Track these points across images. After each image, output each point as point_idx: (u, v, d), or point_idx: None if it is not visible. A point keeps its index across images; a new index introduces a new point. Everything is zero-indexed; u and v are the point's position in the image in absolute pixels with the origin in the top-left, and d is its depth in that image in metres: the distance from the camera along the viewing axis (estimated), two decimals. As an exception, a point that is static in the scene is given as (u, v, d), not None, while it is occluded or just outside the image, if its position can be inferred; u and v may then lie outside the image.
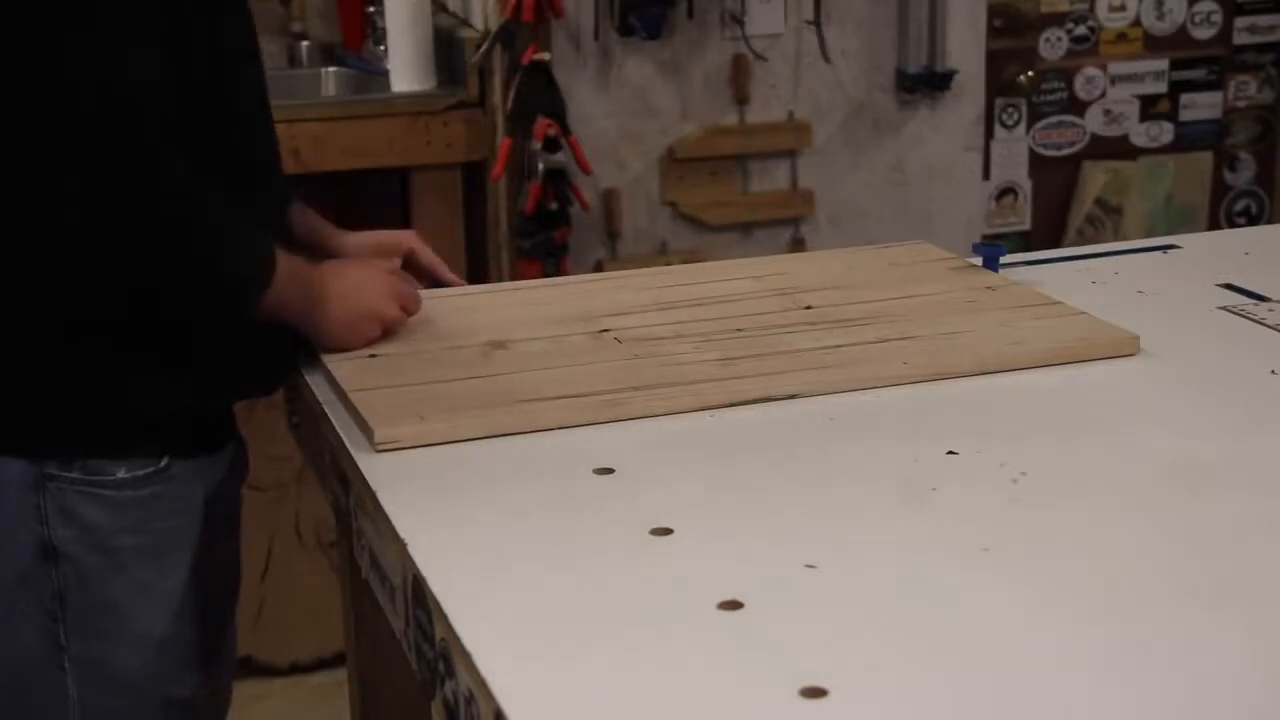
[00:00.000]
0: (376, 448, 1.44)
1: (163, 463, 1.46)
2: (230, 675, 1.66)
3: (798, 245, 3.28)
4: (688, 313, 1.75)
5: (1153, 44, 3.52)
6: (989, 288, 1.83)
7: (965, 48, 3.35)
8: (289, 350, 1.59)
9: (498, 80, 2.99)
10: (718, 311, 1.76)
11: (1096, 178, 3.54)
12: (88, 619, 1.45)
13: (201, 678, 1.55)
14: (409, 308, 1.64)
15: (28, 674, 1.47)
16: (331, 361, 1.60)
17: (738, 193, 3.28)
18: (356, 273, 1.62)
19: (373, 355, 1.61)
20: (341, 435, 1.48)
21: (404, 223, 2.98)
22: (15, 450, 1.42)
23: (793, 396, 1.55)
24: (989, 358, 1.63)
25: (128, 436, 1.44)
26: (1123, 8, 3.48)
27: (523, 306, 1.77)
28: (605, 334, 1.68)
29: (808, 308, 1.77)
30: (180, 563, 1.49)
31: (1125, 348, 1.67)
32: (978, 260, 1.94)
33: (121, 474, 1.44)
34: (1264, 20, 3.56)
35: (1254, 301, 1.82)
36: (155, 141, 1.37)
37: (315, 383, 1.60)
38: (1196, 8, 3.51)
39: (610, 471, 1.39)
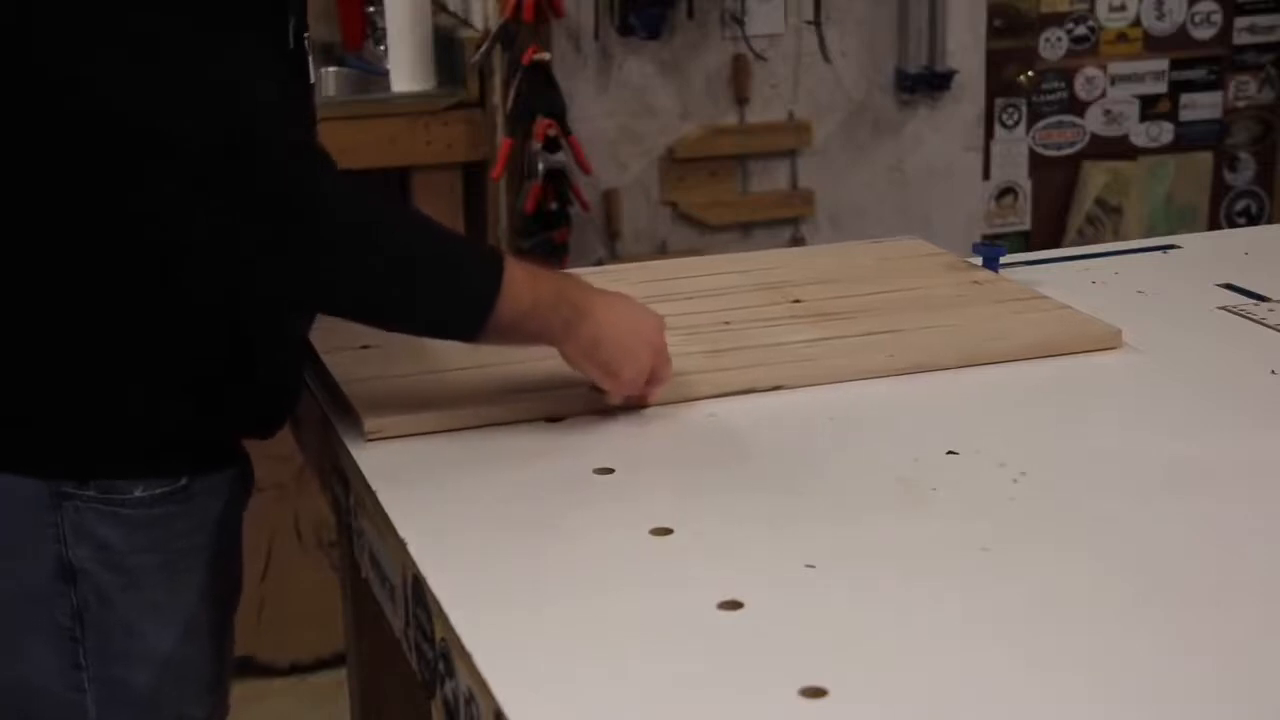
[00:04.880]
0: (366, 437, 1.44)
1: (181, 482, 1.45)
2: (229, 687, 1.65)
3: (797, 245, 3.28)
4: (678, 306, 1.76)
5: (1153, 44, 3.52)
6: (975, 282, 1.84)
7: (965, 48, 3.35)
8: (297, 388, 1.58)
9: (498, 80, 2.99)
10: (707, 305, 1.77)
11: (1096, 178, 3.54)
12: (105, 638, 1.44)
13: (215, 697, 1.55)
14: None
15: (42, 695, 1.45)
16: (326, 354, 1.60)
17: (738, 193, 3.27)
18: (615, 294, 1.51)
19: (365, 347, 1.61)
20: (339, 431, 1.48)
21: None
22: (31, 469, 1.40)
23: (777, 388, 1.56)
24: (972, 351, 1.64)
25: (146, 456, 1.42)
26: (1123, 8, 3.48)
27: None
28: None
29: (796, 301, 1.78)
30: (194, 581, 1.48)
31: (1108, 341, 1.67)
32: (977, 260, 1.94)
33: (139, 493, 1.42)
34: (1264, 20, 3.56)
35: (1254, 301, 1.82)
36: (311, 164, 1.34)
37: (312, 379, 1.61)
38: (1196, 8, 3.51)
39: (610, 471, 1.39)
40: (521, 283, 1.40)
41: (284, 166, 1.31)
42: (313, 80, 1.54)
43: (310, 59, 1.50)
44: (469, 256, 1.41)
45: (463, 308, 1.39)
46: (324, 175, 1.34)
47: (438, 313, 1.40)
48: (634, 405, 1.51)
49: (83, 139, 1.30)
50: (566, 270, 1.89)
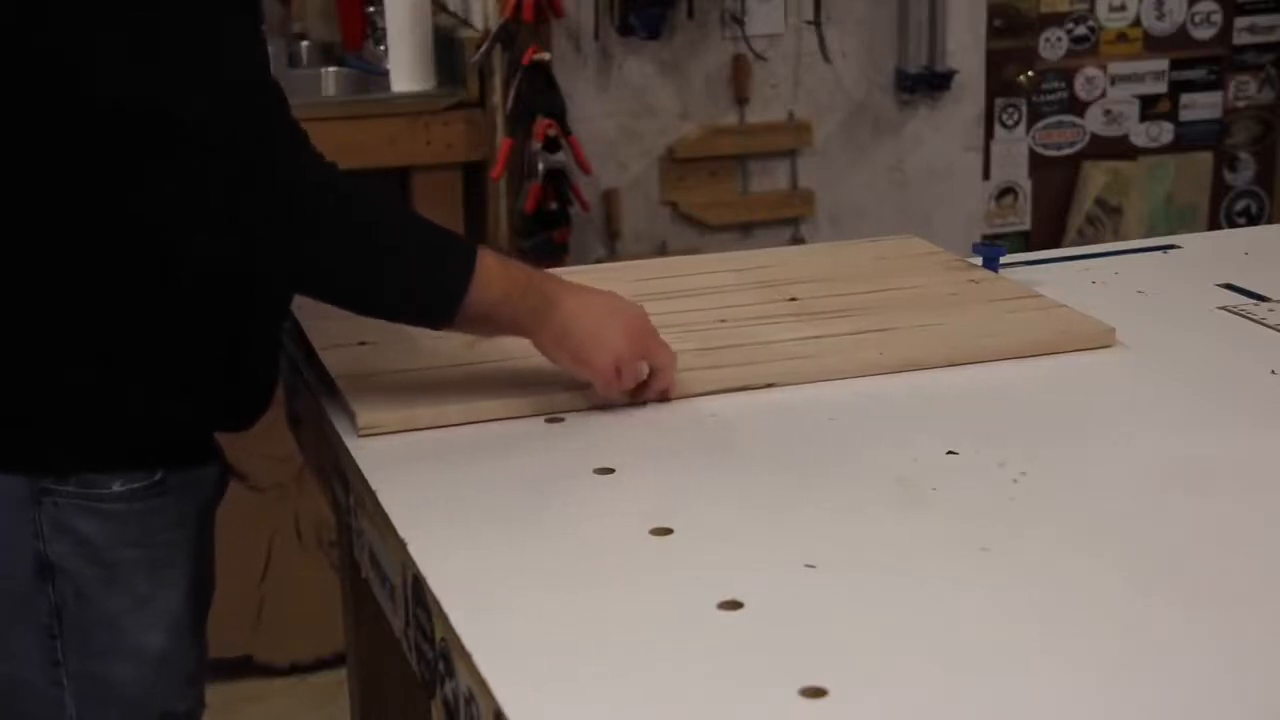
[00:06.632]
0: (359, 432, 1.45)
1: (157, 476, 1.45)
2: (205, 682, 1.65)
3: (797, 245, 3.28)
4: (674, 304, 1.76)
5: (1153, 44, 3.52)
6: (971, 281, 1.84)
7: (965, 48, 3.34)
8: (272, 382, 1.58)
9: (498, 80, 2.99)
10: (703, 303, 1.78)
11: (1096, 178, 3.54)
12: (85, 634, 1.44)
13: (195, 691, 1.55)
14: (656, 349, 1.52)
15: (23, 691, 1.46)
16: (323, 351, 1.60)
17: (738, 193, 3.27)
18: (593, 289, 1.51)
19: (362, 344, 1.61)
20: (337, 430, 1.48)
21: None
22: (10, 465, 1.41)
23: (770, 386, 1.56)
24: (964, 350, 1.64)
25: (123, 450, 1.43)
26: (1123, 8, 3.48)
27: None
28: None
29: (792, 299, 1.78)
30: (176, 576, 1.49)
31: (1102, 340, 1.68)
32: (977, 260, 1.94)
33: (117, 487, 1.43)
34: (1264, 20, 3.56)
35: (1254, 301, 1.82)
36: (296, 147, 1.36)
37: (310, 376, 1.61)
38: (1196, 8, 3.51)
39: (610, 471, 1.39)
40: (494, 271, 1.42)
41: (276, 148, 1.34)
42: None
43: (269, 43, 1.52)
44: (443, 243, 1.43)
45: (436, 293, 1.40)
46: (308, 157, 1.37)
47: (411, 297, 1.42)
48: (635, 402, 1.51)
49: (82, 132, 1.31)
50: (565, 268, 1.89)
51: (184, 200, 1.32)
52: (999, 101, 3.44)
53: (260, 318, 1.51)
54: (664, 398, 1.53)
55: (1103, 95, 3.51)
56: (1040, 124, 3.49)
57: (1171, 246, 2.08)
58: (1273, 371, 1.61)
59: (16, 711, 1.46)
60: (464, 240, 1.45)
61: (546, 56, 2.97)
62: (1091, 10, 3.46)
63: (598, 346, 1.46)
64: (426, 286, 1.41)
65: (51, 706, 1.45)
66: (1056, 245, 3.36)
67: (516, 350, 1.53)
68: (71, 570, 1.42)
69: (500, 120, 3.00)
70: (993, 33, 3.39)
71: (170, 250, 1.37)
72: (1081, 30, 3.47)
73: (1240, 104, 3.60)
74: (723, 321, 1.72)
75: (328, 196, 1.36)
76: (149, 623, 1.47)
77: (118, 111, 1.28)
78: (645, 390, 1.51)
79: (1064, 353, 1.66)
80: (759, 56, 3.20)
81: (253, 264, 1.38)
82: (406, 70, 3.05)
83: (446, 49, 3.07)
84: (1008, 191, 3.51)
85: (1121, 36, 3.49)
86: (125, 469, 1.43)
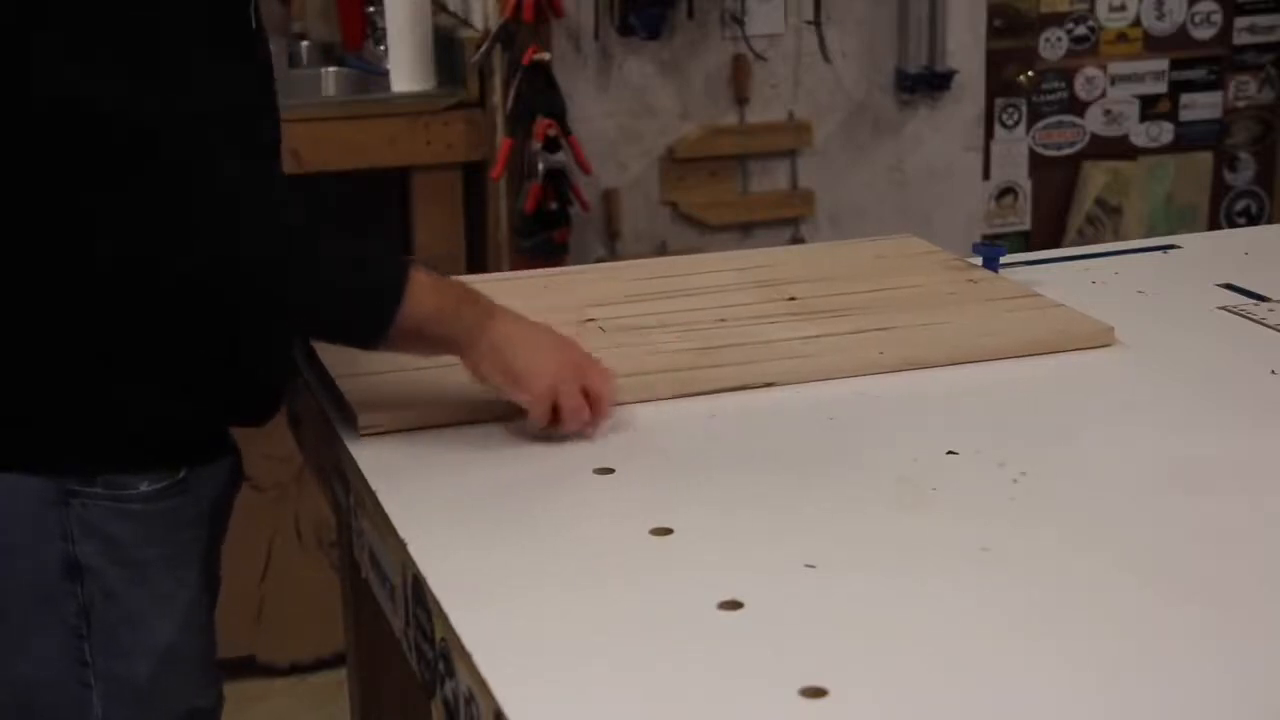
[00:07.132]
0: (360, 431, 1.45)
1: (180, 474, 1.46)
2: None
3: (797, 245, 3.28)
4: (674, 303, 1.76)
5: (1153, 44, 3.52)
6: (970, 280, 1.85)
7: (965, 48, 3.34)
8: (284, 380, 1.58)
9: (498, 80, 2.99)
10: (703, 302, 1.78)
11: (1096, 178, 3.54)
12: (112, 634, 1.44)
13: (217, 688, 1.56)
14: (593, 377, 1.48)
15: (47, 693, 1.46)
16: (322, 350, 1.60)
17: (738, 193, 3.27)
18: (521, 315, 1.50)
19: None
20: (337, 430, 1.49)
21: (404, 222, 2.98)
22: (36, 467, 1.41)
23: (769, 385, 1.56)
24: (963, 349, 1.64)
25: (148, 450, 1.44)
26: (1123, 8, 3.48)
27: (513, 297, 1.76)
28: (590, 323, 1.69)
29: (791, 299, 1.78)
30: (195, 572, 1.49)
31: (1100, 339, 1.68)
32: (977, 260, 1.94)
33: (144, 487, 1.43)
34: (1264, 20, 3.56)
35: (1254, 301, 1.82)
36: (244, 167, 1.36)
37: (311, 376, 1.61)
38: (1196, 8, 3.51)
39: (610, 471, 1.39)
40: (426, 287, 1.41)
41: (205, 166, 1.33)
42: (271, 56, 1.56)
43: (267, 36, 1.52)
44: (375, 261, 1.42)
45: (368, 310, 1.39)
46: (232, 173, 1.36)
47: (343, 315, 1.41)
48: (581, 434, 1.46)
49: (69, 140, 1.31)
50: (565, 268, 1.89)
51: (121, 206, 1.32)
52: (999, 101, 3.44)
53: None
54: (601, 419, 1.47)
55: (1103, 95, 3.51)
56: (1040, 124, 3.49)
57: (1171, 246, 2.08)
58: (1273, 371, 1.61)
59: (35, 713, 1.46)
60: (397, 256, 1.43)
61: (546, 56, 2.97)
62: (1091, 10, 3.46)
63: (534, 369, 1.44)
64: (358, 303, 1.40)
65: (77, 707, 1.45)
66: (1056, 245, 3.36)
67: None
68: (99, 570, 1.43)
69: (500, 120, 3.00)
70: (993, 33, 3.39)
71: (137, 254, 1.37)
72: (1081, 30, 3.47)
73: (1240, 104, 3.60)
74: (722, 321, 1.72)
75: (255, 218, 1.35)
76: (172, 620, 1.47)
77: (67, 115, 1.29)
78: (577, 420, 1.46)
79: (1063, 352, 1.66)
80: (759, 56, 3.20)
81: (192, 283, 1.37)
82: (406, 70, 3.05)
83: (446, 49, 3.07)
84: (1008, 191, 3.51)
85: (1121, 36, 3.49)
86: (149, 469, 1.44)
